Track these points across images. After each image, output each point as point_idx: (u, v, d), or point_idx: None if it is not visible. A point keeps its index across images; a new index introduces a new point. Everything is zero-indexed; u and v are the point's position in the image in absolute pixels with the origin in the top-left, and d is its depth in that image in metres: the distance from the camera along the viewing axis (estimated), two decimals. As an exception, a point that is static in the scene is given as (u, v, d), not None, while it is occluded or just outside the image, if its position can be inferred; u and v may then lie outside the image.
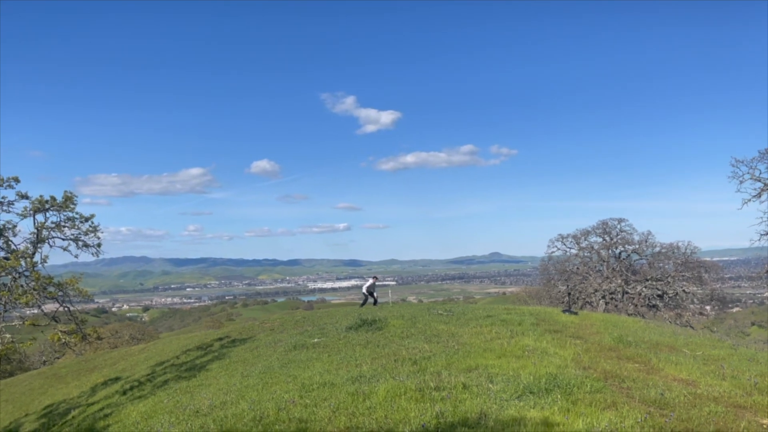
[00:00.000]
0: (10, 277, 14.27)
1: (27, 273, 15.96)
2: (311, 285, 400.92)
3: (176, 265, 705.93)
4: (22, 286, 14.63)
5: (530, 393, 8.14)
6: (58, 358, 58.61)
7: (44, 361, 58.31)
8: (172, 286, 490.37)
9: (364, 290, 31.17)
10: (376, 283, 31.48)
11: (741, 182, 26.12)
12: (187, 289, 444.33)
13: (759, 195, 25.62)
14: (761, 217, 25.92)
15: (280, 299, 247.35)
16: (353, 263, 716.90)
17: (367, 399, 8.56)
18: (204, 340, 26.62)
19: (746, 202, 26.03)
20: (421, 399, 8.22)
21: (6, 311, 14.08)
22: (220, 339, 25.14)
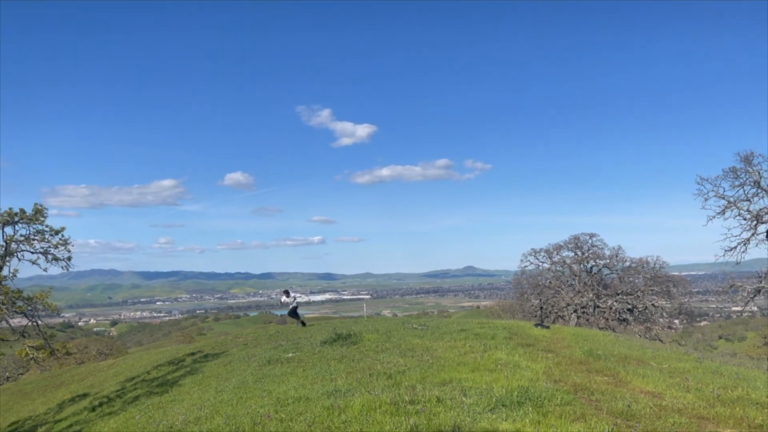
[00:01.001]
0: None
1: (-6, 287, 15.61)
2: (284, 299, 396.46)
3: (146, 279, 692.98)
4: (-12, 300, 14.32)
5: (502, 406, 8.31)
6: (22, 374, 56.84)
7: (7, 377, 56.51)
8: (142, 299, 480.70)
9: (287, 311, 27.34)
10: (297, 299, 27.99)
11: (706, 199, 27.04)
12: (157, 303, 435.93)
13: (723, 212, 26.57)
14: (725, 234, 26.84)
15: (253, 313, 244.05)
16: (327, 276, 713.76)
17: (342, 413, 8.61)
18: (176, 354, 26.22)
19: (711, 219, 26.96)
20: (395, 412, 8.32)
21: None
22: (193, 354, 24.79)
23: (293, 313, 27.12)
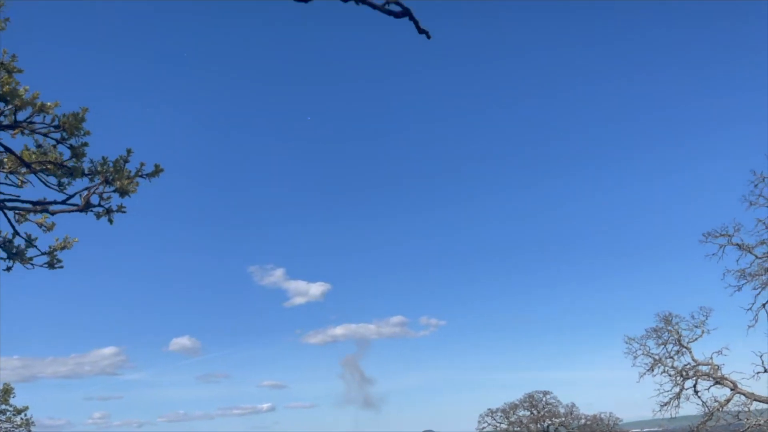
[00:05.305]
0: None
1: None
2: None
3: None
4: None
5: None
6: None
7: None
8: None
9: None
10: None
11: (635, 357, 29.50)
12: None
13: (651, 369, 28.87)
14: (658, 389, 28.92)
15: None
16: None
17: None
18: None
19: (642, 375, 29.16)
20: None
21: None
22: None
23: None
